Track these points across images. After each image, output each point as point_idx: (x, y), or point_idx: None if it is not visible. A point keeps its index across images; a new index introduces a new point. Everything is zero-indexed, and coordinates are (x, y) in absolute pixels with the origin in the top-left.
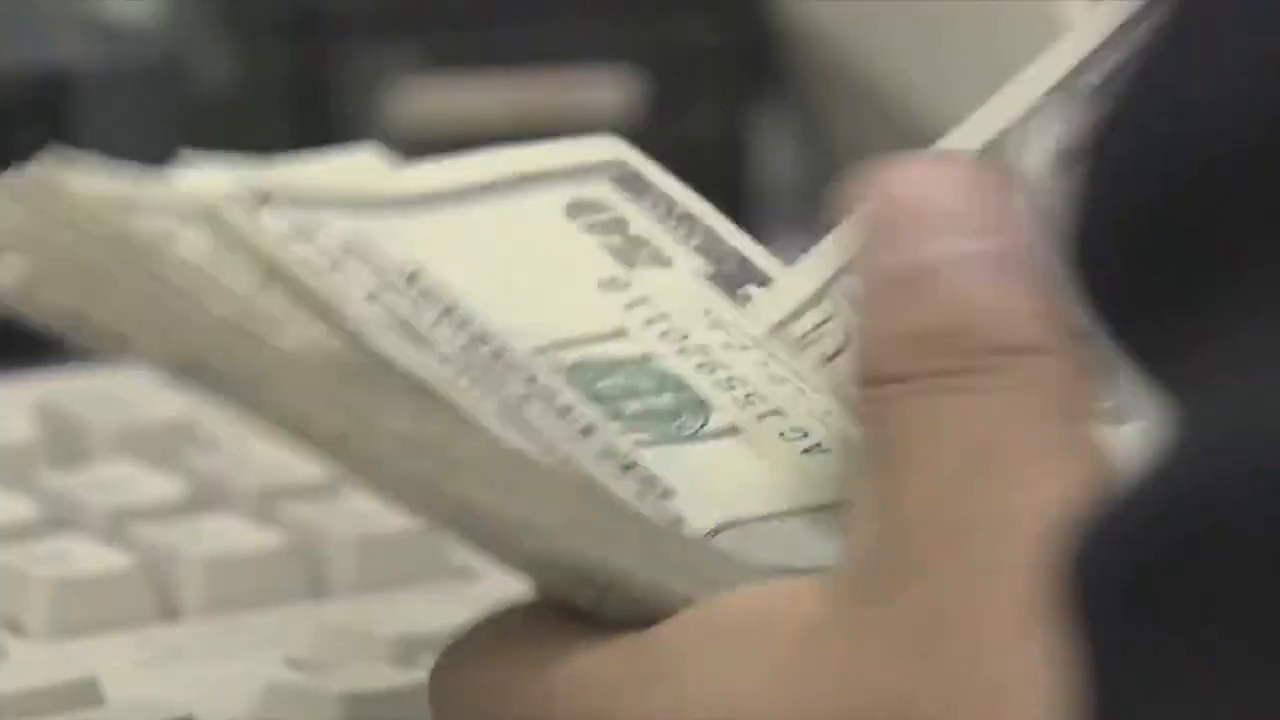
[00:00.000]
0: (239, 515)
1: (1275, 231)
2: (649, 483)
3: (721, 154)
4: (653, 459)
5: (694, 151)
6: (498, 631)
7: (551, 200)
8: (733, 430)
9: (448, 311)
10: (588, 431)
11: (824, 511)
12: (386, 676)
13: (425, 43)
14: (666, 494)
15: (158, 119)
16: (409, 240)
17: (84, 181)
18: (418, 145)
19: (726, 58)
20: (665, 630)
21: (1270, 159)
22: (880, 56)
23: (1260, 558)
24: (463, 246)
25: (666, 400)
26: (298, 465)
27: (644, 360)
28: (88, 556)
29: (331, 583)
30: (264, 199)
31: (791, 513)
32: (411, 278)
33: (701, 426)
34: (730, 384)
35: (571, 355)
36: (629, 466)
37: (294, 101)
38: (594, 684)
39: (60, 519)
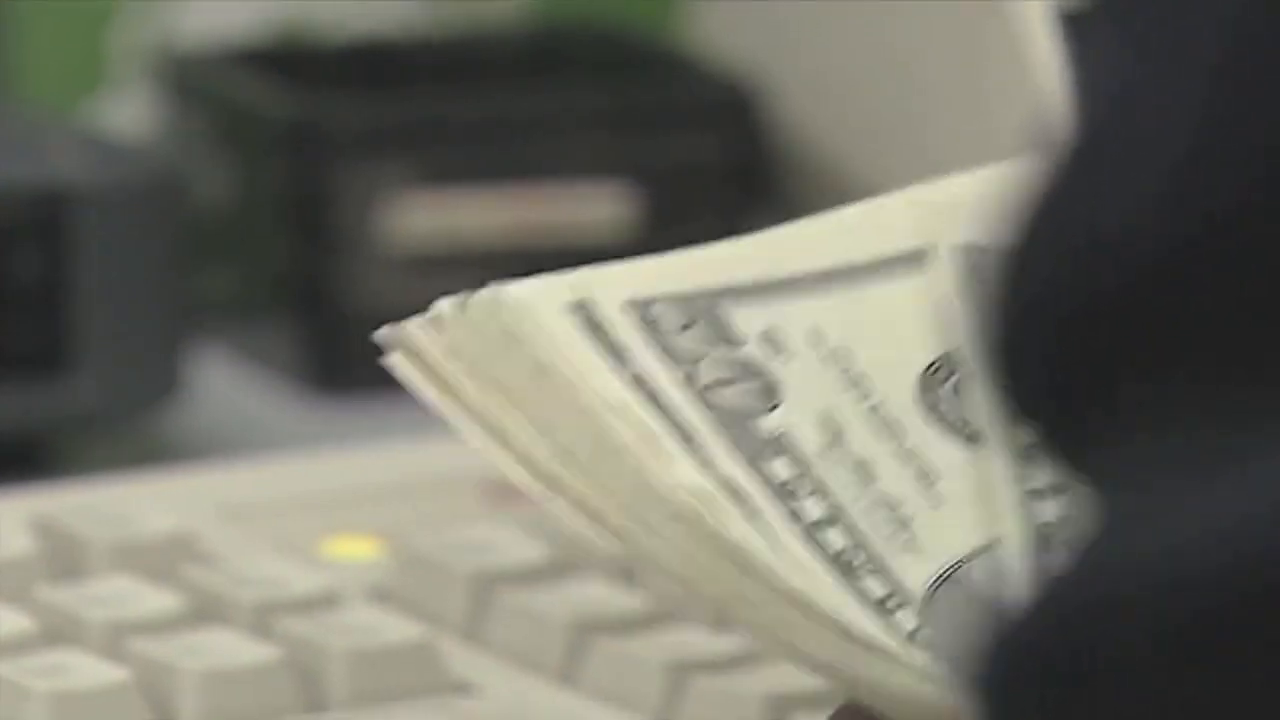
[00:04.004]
0: (236, 629)
1: (1180, 348)
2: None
3: None
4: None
5: None
6: None
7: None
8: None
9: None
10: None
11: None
12: None
13: (421, 158)
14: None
15: (157, 235)
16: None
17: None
18: (414, 260)
19: (723, 173)
20: None
21: (1175, 280)
22: (876, 172)
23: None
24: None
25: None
26: (295, 579)
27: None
28: (86, 670)
29: (328, 697)
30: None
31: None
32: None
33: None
34: None
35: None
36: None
37: (292, 217)
38: None
39: (58, 633)
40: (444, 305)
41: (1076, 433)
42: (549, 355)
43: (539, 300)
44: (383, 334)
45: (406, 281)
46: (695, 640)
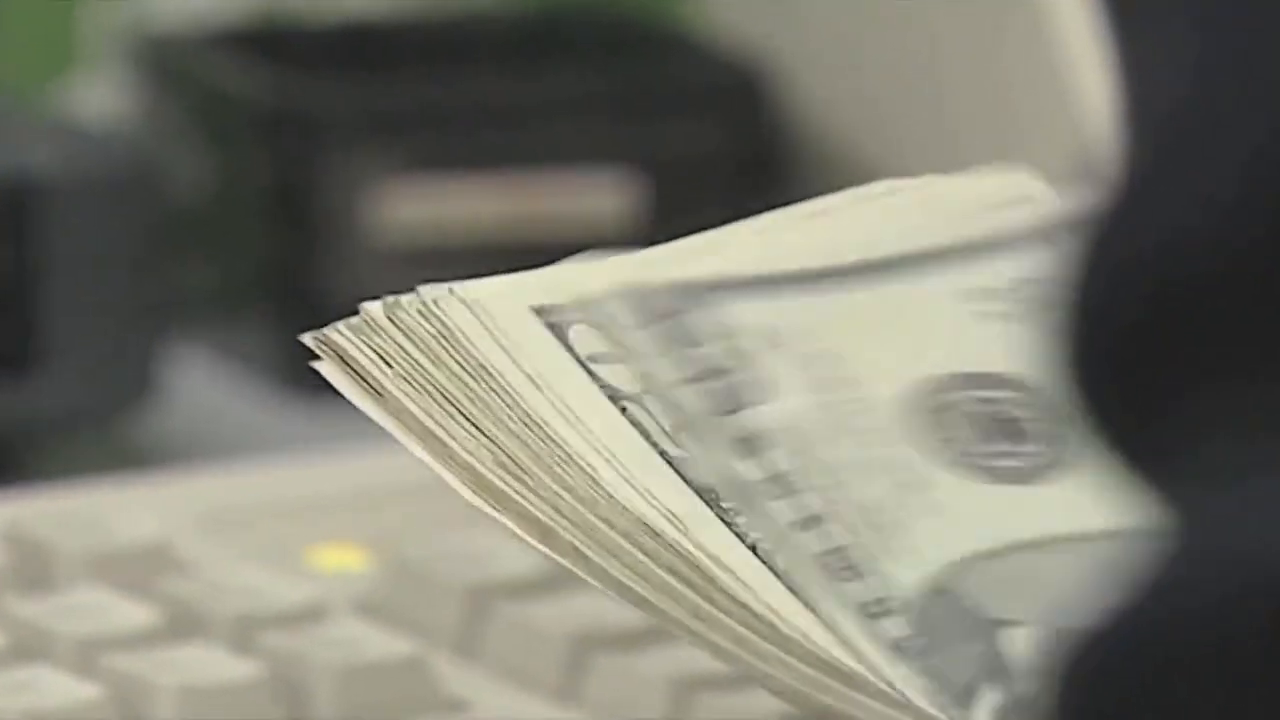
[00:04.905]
0: (216, 644)
1: (1248, 348)
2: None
3: None
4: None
5: None
6: None
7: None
8: None
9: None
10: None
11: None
12: None
13: (411, 145)
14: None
15: (131, 227)
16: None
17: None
18: (403, 254)
19: (727, 161)
20: None
21: (1243, 284)
22: (890, 158)
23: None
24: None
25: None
26: (277, 591)
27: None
28: (57, 688)
29: (313, 715)
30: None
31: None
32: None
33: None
34: None
35: None
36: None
37: (273, 208)
38: None
39: (27, 648)
40: (373, 309)
41: (1145, 440)
42: (498, 357)
43: (496, 301)
44: (309, 340)
45: (395, 276)
46: (700, 656)
